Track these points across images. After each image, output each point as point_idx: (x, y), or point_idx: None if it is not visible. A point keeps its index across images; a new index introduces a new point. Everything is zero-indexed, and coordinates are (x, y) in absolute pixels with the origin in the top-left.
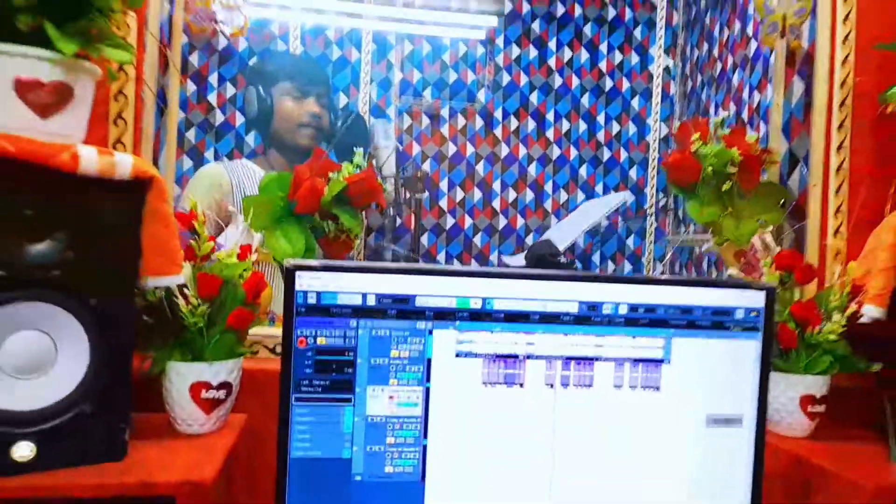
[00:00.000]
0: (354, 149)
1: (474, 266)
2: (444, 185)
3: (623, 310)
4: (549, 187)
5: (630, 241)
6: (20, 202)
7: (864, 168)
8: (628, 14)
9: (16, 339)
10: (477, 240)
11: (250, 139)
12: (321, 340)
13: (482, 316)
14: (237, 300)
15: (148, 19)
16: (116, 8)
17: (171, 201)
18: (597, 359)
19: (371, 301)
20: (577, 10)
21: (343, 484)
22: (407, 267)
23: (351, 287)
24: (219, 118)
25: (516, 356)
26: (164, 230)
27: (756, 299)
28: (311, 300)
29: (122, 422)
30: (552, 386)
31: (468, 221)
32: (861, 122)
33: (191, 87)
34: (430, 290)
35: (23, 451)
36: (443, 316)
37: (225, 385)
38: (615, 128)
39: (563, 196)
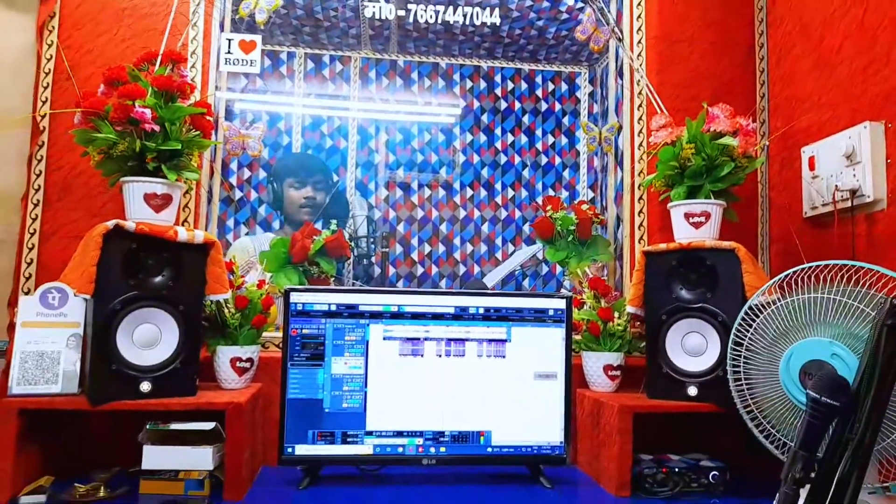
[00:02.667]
0: (331, 221)
1: (391, 287)
2: (414, 241)
3: (481, 311)
4: (498, 241)
5: (566, 282)
6: (148, 256)
7: (655, 225)
8: (557, 106)
9: (141, 327)
10: (442, 284)
11: (262, 210)
12: (305, 331)
13: (398, 315)
14: (257, 310)
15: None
16: (193, 153)
17: (222, 254)
18: (466, 340)
19: (333, 308)
20: (517, 105)
21: (318, 413)
22: (353, 288)
23: (321, 300)
24: (237, 195)
25: (419, 339)
26: (218, 269)
27: (561, 304)
28: (299, 308)
29: (195, 374)
30: (440, 356)
31: (434, 270)
32: (650, 196)
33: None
34: (367, 301)
35: (145, 386)
36: (375, 316)
37: (250, 360)
38: (551, 194)
39: (511, 248)
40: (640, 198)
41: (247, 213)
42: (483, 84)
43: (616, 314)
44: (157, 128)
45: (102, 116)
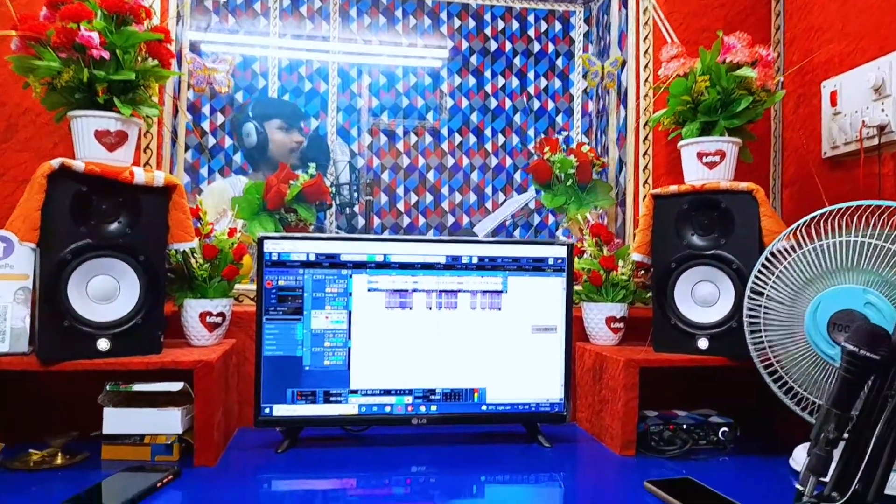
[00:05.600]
0: (310, 164)
1: (375, 234)
2: (400, 190)
3: (475, 259)
4: (489, 190)
5: (559, 233)
6: (101, 201)
7: (660, 168)
8: (551, 47)
9: (96, 279)
10: (430, 235)
11: (237, 158)
12: (281, 283)
13: (384, 265)
14: (227, 260)
15: (166, 84)
16: (151, 84)
17: (186, 198)
18: (459, 291)
19: (312, 257)
20: (508, 46)
21: (297, 371)
22: (334, 236)
23: (299, 249)
24: (210, 141)
25: (407, 290)
26: (181, 215)
27: (561, 251)
28: (275, 258)
29: (159, 330)
30: (430, 308)
31: (422, 220)
32: (657, 137)
33: (188, 115)
34: (350, 250)
35: (103, 344)
36: (358, 266)
37: (221, 314)
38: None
39: (501, 197)
40: (646, 138)
41: (220, 162)
42: (472, 23)
43: (620, 262)
44: (106, 55)
45: (44, 42)
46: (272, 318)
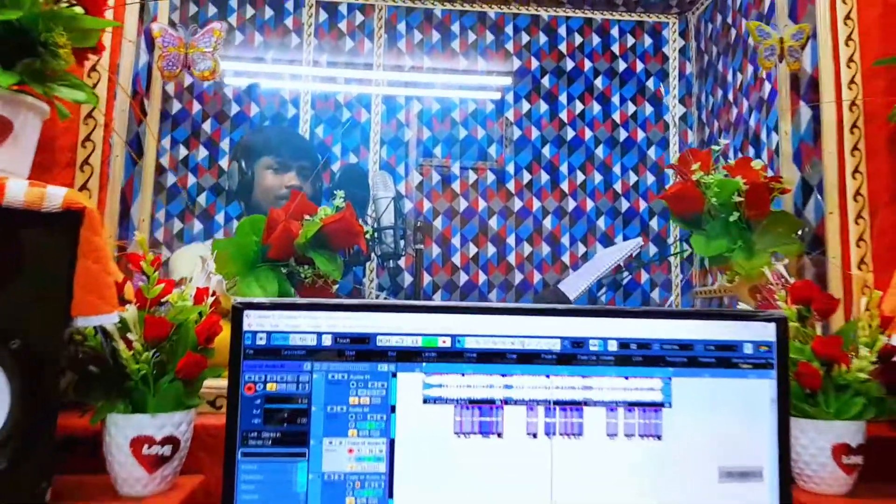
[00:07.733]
0: (335, 192)
1: (440, 301)
2: (456, 240)
3: (613, 346)
4: (566, 240)
5: (655, 294)
6: None
7: (881, 194)
8: (639, 66)
9: None
10: (493, 296)
11: None
12: (271, 386)
13: (452, 356)
14: (188, 345)
15: (120, 68)
16: (62, 43)
17: (107, 236)
18: (585, 403)
19: (326, 341)
20: (587, 64)
21: None
22: (365, 303)
23: (304, 326)
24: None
25: (493, 401)
26: (94, 265)
27: (766, 332)
28: (261, 341)
29: (43, 479)
30: (535, 436)
31: (482, 277)
32: (875, 144)
33: (203, 152)
34: (393, 328)
35: None
36: (407, 357)
37: (170, 440)
38: (632, 178)
39: (581, 248)
40: (856, 147)
41: (238, 208)
42: (543, 38)
43: (861, 349)
44: None
45: None
46: (253, 451)
